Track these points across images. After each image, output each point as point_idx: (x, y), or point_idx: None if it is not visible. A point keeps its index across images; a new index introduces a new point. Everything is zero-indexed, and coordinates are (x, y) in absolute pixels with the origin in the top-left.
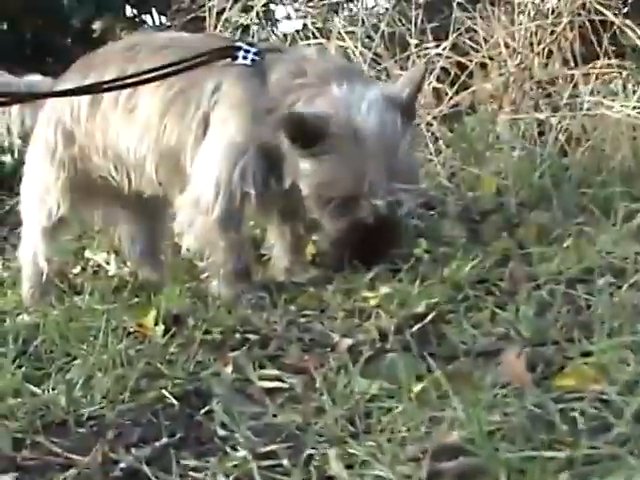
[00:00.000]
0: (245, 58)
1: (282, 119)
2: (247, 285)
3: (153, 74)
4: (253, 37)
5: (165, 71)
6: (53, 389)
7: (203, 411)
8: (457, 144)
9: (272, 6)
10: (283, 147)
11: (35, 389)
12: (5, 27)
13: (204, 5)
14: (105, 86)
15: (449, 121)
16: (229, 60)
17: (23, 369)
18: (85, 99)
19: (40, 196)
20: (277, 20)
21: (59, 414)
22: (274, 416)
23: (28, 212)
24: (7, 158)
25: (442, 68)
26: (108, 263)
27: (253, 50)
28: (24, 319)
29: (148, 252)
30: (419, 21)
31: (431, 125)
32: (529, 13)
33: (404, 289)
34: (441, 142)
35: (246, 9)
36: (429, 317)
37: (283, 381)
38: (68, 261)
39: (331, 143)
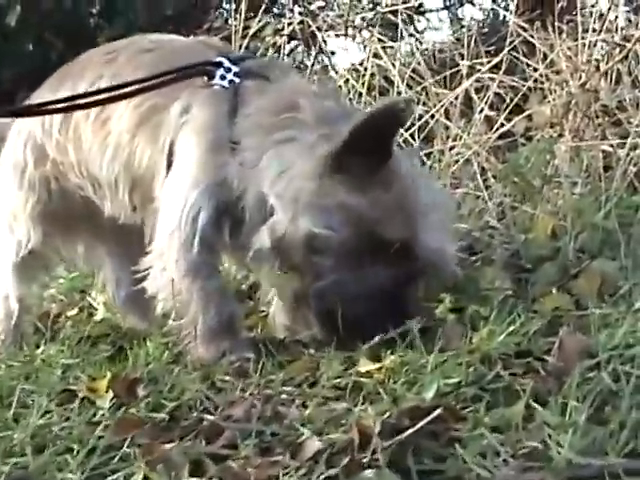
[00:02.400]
0: (223, 78)
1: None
2: (231, 343)
3: (113, 93)
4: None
5: (128, 90)
6: None
7: None
8: (508, 177)
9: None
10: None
11: None
12: (31, 47)
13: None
14: (58, 106)
15: (499, 151)
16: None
17: None
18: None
19: (8, 225)
20: (321, 48)
21: None
22: None
23: None
24: None
25: (496, 94)
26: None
27: (234, 70)
28: None
29: (134, 297)
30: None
31: (478, 155)
32: (593, 29)
33: (416, 361)
34: (489, 175)
35: (278, 30)
36: (436, 411)
37: None
38: (66, 302)
39: (398, 168)
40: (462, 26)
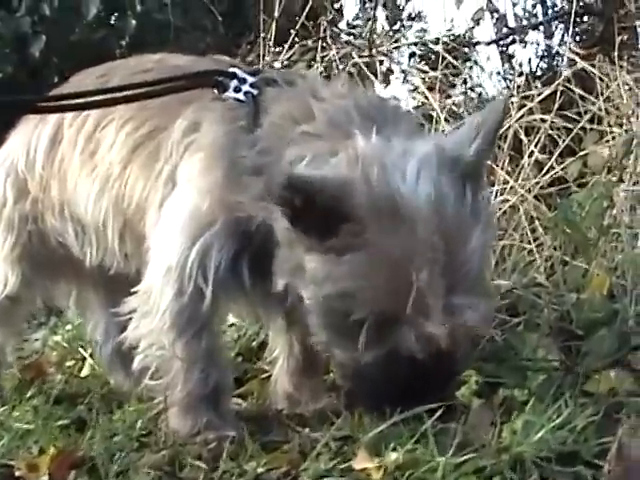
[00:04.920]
0: (238, 90)
1: (277, 187)
2: (210, 418)
3: (102, 97)
4: None
5: (119, 95)
6: None
7: None
8: (559, 227)
9: None
10: (277, 227)
11: None
12: (56, 79)
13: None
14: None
15: (550, 198)
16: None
17: None
18: (43, 140)
19: None
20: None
21: None
22: None
23: None
24: None
25: (548, 136)
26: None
27: (251, 80)
28: None
29: (122, 353)
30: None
31: (525, 201)
32: None
33: (426, 461)
34: (538, 224)
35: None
36: None
37: None
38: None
39: (357, 230)
40: (512, 60)
